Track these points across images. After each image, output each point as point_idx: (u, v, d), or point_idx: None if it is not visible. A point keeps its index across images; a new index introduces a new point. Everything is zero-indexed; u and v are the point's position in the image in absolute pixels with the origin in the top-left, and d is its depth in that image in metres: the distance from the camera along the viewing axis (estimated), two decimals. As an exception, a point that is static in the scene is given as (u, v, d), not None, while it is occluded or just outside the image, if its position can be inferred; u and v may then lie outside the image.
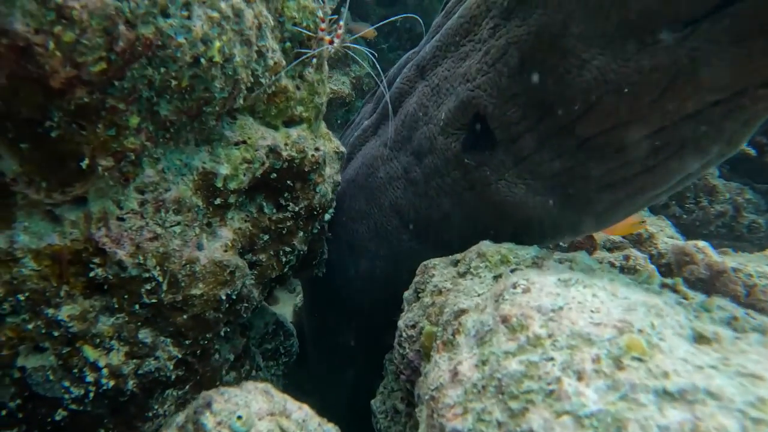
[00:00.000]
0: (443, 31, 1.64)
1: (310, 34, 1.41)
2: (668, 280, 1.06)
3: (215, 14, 1.03)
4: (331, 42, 1.47)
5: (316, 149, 1.48)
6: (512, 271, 1.05)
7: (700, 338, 0.69)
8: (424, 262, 1.34)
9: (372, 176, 1.83)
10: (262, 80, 1.27)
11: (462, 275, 1.13)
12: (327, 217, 1.71)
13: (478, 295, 1.01)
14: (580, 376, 0.59)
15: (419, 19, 1.88)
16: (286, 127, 1.47)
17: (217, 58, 1.06)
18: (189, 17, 0.98)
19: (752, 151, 3.79)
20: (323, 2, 1.47)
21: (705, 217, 3.64)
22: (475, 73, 1.42)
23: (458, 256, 1.25)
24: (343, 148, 1.73)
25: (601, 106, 1.14)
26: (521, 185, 1.39)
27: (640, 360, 0.58)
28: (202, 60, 1.03)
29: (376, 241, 1.80)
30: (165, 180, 1.17)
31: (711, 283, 2.01)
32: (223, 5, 1.04)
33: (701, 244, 2.16)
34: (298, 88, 1.47)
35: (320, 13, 1.43)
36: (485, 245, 1.19)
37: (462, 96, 1.45)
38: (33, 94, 0.90)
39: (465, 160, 1.48)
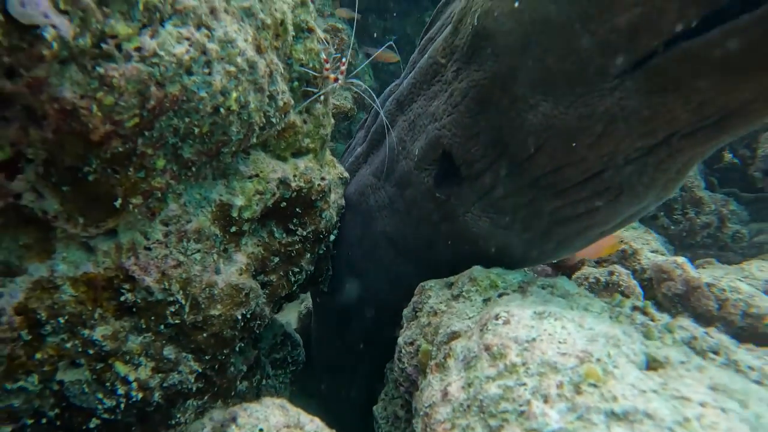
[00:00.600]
0: (417, 69, 1.75)
1: (316, 74, 1.53)
2: (639, 303, 1.18)
3: (232, 68, 1.15)
4: (336, 80, 1.60)
5: (322, 179, 1.60)
6: (500, 295, 1.17)
7: (653, 361, 0.81)
8: (422, 284, 1.46)
9: (364, 203, 1.93)
10: (273, 120, 1.39)
11: (455, 298, 1.26)
12: (332, 237, 1.83)
13: (469, 318, 1.13)
14: (546, 399, 0.70)
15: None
16: (294, 157, 1.60)
17: (234, 107, 1.18)
18: (210, 73, 1.11)
19: (737, 161, 3.92)
20: (327, 43, 1.60)
21: (692, 227, 3.76)
22: (441, 113, 1.53)
23: (452, 279, 1.38)
24: (346, 174, 1.86)
25: (547, 148, 1.26)
26: (485, 218, 1.49)
27: (595, 386, 0.70)
28: (221, 109, 1.16)
29: (371, 263, 1.90)
30: (186, 213, 1.30)
31: (687, 298, 2.13)
32: (239, 60, 1.16)
33: (680, 260, 2.27)
34: (305, 122, 1.60)
35: (323, 55, 1.55)
36: (476, 271, 1.31)
37: (431, 135, 1.56)
38: (75, 146, 1.02)
39: (436, 194, 1.58)
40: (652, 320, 1.07)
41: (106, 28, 0.91)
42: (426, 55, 1.70)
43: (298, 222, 1.60)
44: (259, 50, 1.25)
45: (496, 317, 0.89)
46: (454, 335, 1.06)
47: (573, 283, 1.25)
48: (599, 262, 2.26)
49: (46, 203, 1.11)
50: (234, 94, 1.17)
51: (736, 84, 1.00)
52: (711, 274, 2.27)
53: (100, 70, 0.93)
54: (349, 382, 2.30)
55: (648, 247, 2.73)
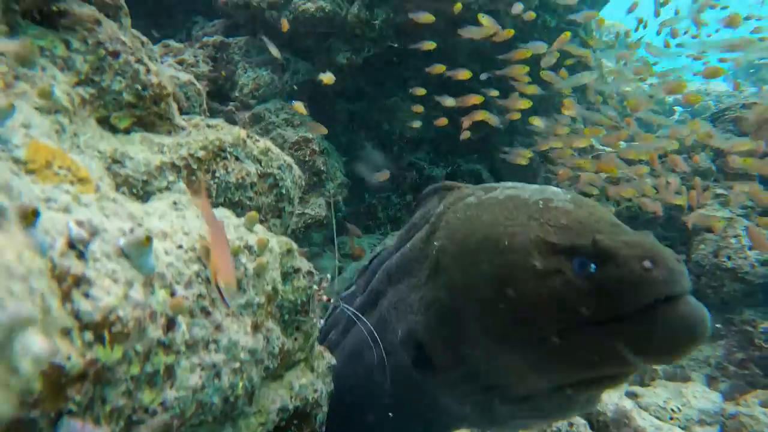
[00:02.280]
0: (402, 254, 2.00)
1: (305, 309, 1.74)
2: None
3: (237, 365, 1.35)
4: (329, 300, 1.82)
5: (315, 390, 1.80)
6: None
7: None
8: None
9: (358, 364, 2.14)
10: (272, 366, 1.59)
11: None
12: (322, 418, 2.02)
13: None
14: None
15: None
16: (287, 371, 1.79)
17: (241, 393, 1.37)
18: (219, 379, 1.30)
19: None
20: (313, 273, 1.81)
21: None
22: (416, 310, 1.79)
23: None
24: (334, 361, 2.06)
25: (491, 371, 1.53)
26: (455, 403, 1.77)
27: None
28: (230, 398, 1.35)
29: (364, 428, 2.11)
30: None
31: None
32: (242, 355, 1.36)
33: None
34: (296, 339, 1.80)
35: (314, 288, 1.76)
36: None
37: (409, 325, 1.81)
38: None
39: (413, 374, 1.82)
40: None
41: (135, 404, 1.10)
42: (408, 246, 1.95)
43: (296, 429, 1.78)
44: (256, 327, 1.45)
45: None
46: None
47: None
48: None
49: None
50: (240, 383, 1.36)
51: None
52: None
53: None
54: None
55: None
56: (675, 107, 12.42)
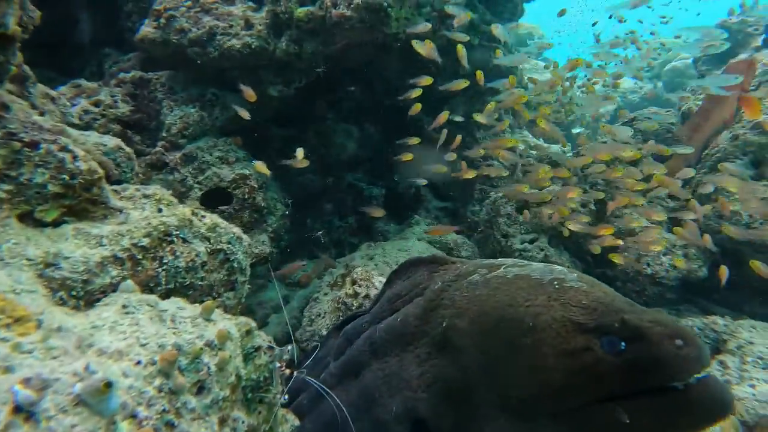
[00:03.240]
0: (389, 326, 1.96)
1: (268, 384, 1.70)
2: None
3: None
4: (292, 372, 1.78)
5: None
6: None
7: None
8: None
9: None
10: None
11: None
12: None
13: None
14: None
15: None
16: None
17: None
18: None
19: None
20: (272, 347, 1.77)
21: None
22: (415, 387, 1.76)
23: None
24: (297, 422, 2.02)
25: None
26: None
27: None
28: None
29: None
30: None
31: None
32: (213, 460, 1.31)
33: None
34: (259, 413, 1.74)
35: (275, 364, 1.72)
36: None
37: (407, 402, 1.78)
38: None
39: None
40: None
41: None
42: (399, 320, 1.92)
43: None
44: (223, 422, 1.40)
45: None
46: None
47: None
48: None
49: None
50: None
51: None
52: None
53: None
54: None
55: None
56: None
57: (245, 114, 3.98)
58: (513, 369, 1.47)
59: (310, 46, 4.14)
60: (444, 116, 4.56)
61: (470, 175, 4.63)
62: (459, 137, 4.85)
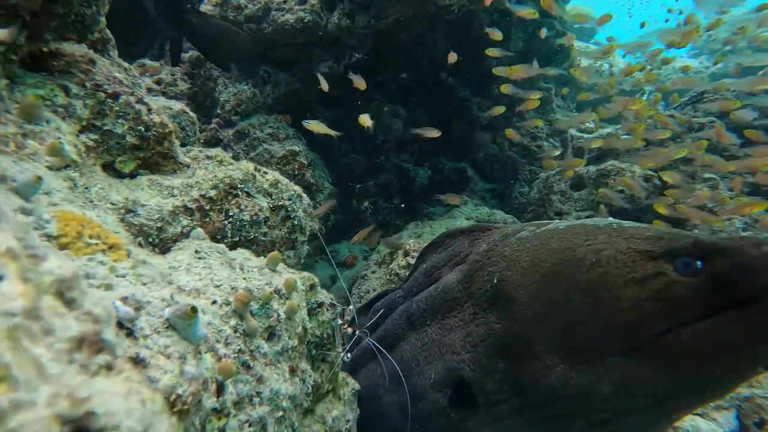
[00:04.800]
0: (428, 296, 1.94)
1: (330, 342, 1.71)
2: None
3: (280, 413, 1.31)
4: (354, 331, 1.78)
5: (347, 421, 1.77)
6: None
7: None
8: None
9: (376, 402, 2.09)
10: (307, 404, 1.56)
11: None
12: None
13: None
14: None
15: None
16: (316, 403, 1.76)
17: (283, 442, 1.34)
18: (265, 430, 1.27)
19: None
20: (335, 305, 1.78)
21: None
22: (460, 348, 1.73)
23: None
24: (357, 387, 2.03)
25: (563, 401, 1.48)
26: None
27: None
28: (274, 448, 1.31)
29: None
30: None
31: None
32: (284, 403, 1.32)
33: None
34: (322, 371, 1.76)
35: (337, 321, 1.73)
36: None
37: (449, 365, 1.76)
38: None
39: (451, 413, 1.77)
40: None
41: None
42: (440, 289, 1.89)
43: (330, 462, 1.76)
44: (293, 371, 1.42)
45: None
46: None
47: None
48: None
49: None
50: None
51: (711, 366, 1.28)
52: None
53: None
54: None
55: None
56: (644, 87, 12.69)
57: (325, 85, 3.97)
58: (576, 309, 1.42)
59: (361, 19, 4.12)
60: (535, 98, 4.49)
61: (598, 144, 4.59)
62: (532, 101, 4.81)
